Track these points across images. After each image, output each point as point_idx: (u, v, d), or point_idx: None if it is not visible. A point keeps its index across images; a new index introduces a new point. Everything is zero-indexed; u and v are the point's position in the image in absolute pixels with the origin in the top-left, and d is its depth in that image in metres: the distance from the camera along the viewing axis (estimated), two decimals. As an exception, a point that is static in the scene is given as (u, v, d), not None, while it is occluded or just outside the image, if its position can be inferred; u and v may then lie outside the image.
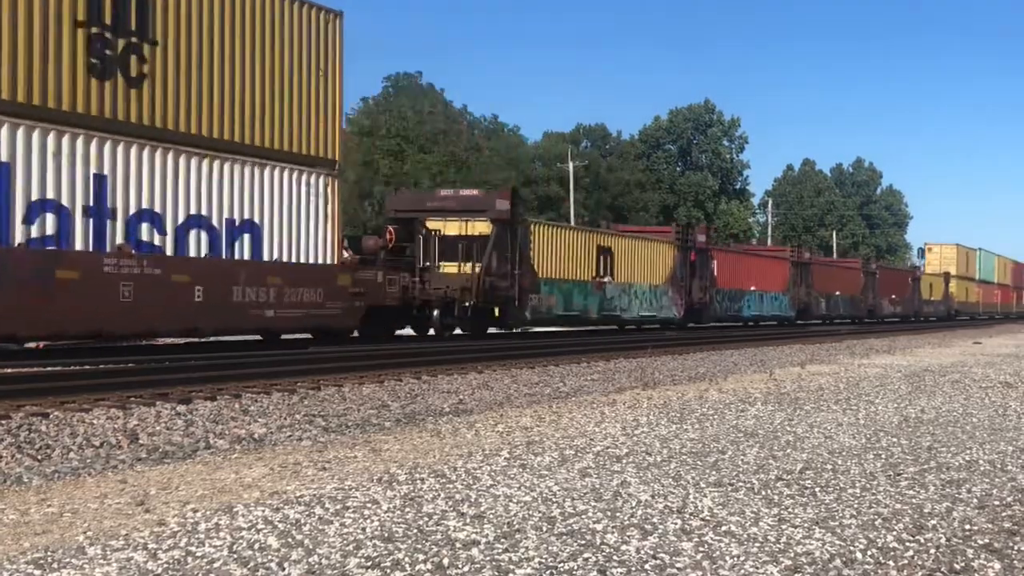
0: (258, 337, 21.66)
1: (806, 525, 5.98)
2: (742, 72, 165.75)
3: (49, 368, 14.27)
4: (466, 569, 4.91)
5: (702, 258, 38.83)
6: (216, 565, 4.92)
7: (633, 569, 4.97)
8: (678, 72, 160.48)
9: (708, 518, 6.09)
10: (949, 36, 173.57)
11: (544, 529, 5.73)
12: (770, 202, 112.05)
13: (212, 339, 21.04)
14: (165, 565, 4.91)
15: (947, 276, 75.00)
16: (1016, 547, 5.61)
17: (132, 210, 16.83)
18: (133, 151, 16.97)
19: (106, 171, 16.49)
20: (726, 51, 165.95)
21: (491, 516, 6.04)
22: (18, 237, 15.08)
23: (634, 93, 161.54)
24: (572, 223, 57.72)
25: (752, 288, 44.11)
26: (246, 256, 18.67)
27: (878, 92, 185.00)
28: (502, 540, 5.47)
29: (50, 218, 15.56)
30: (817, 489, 7.09)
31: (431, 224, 26.59)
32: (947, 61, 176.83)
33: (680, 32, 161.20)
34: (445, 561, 5.03)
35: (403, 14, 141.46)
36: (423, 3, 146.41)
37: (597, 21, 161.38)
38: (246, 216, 18.76)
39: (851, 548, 5.47)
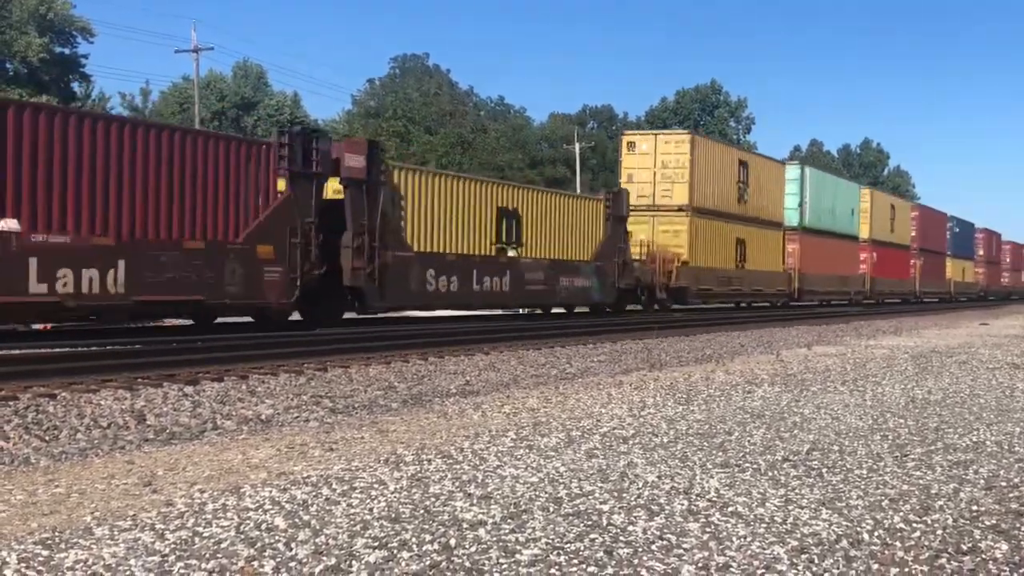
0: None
1: (813, 506, 5.98)
2: (749, 53, 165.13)
3: (57, 350, 14.29)
4: (473, 549, 4.92)
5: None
6: (223, 545, 4.93)
7: (640, 549, 4.97)
8: (685, 53, 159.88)
9: (715, 499, 6.09)
10: (957, 18, 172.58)
11: (551, 510, 5.74)
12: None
13: (217, 320, 21.08)
14: (172, 545, 4.92)
15: (606, 207, 30.90)
16: (1023, 528, 5.60)
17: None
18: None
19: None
20: (733, 32, 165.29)
21: (498, 497, 6.04)
22: None
23: (640, 74, 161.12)
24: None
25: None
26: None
27: (885, 73, 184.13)
28: (509, 521, 5.47)
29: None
30: (824, 470, 7.09)
31: None
32: (955, 42, 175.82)
33: (687, 13, 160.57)
34: (452, 541, 5.04)
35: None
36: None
37: (604, 2, 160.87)
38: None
39: (858, 529, 5.47)
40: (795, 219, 44.56)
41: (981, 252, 79.42)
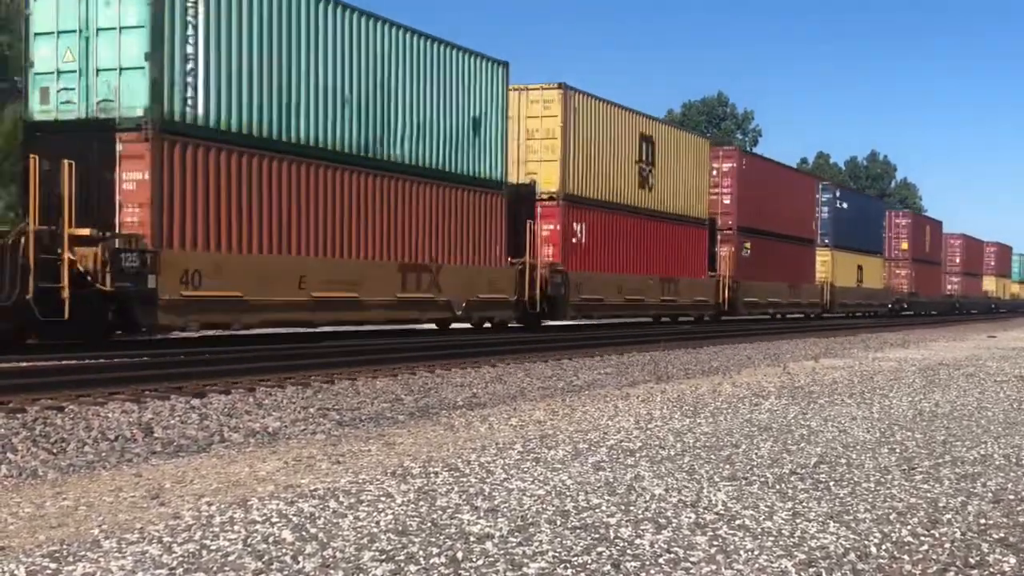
0: (271, 331, 21.68)
1: (820, 519, 5.97)
2: (755, 65, 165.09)
3: (64, 362, 14.31)
4: (480, 563, 4.92)
5: None
6: (231, 558, 4.94)
7: (647, 563, 4.97)
8: (691, 65, 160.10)
9: (722, 512, 6.08)
10: (965, 27, 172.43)
11: (558, 523, 5.73)
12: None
13: (226, 333, 21.10)
14: (180, 558, 4.93)
15: None
16: (1032, 541, 5.59)
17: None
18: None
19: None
20: (739, 44, 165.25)
21: (505, 510, 6.04)
22: None
23: (647, 86, 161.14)
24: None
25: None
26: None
27: (892, 85, 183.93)
28: (516, 534, 5.47)
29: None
30: (831, 483, 7.08)
31: None
32: (963, 53, 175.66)
33: (693, 24, 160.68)
34: (459, 555, 5.04)
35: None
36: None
37: (609, 13, 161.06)
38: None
39: (865, 542, 5.46)
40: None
41: (904, 246, 57.25)
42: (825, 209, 46.20)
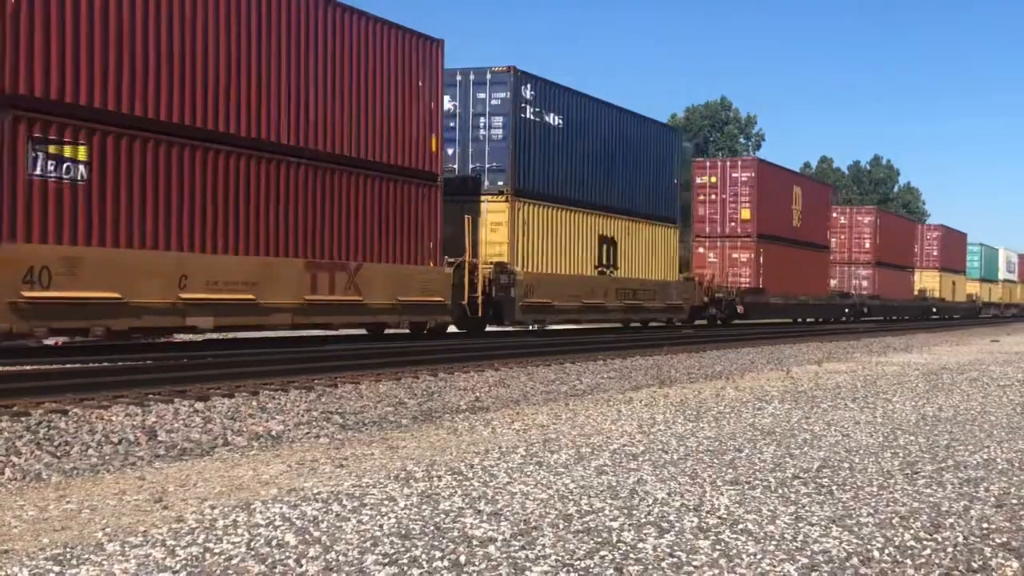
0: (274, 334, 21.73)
1: (823, 523, 5.97)
2: (758, 69, 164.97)
3: (68, 365, 14.34)
4: (483, 566, 4.92)
5: None
6: (234, 562, 4.95)
7: (650, 567, 4.98)
8: (694, 69, 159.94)
9: (725, 516, 6.09)
10: (968, 33, 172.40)
11: (561, 527, 5.74)
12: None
13: (230, 336, 21.14)
14: (183, 562, 4.94)
15: None
16: (1034, 546, 5.58)
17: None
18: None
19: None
20: (742, 48, 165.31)
21: (508, 513, 6.05)
22: None
23: (650, 90, 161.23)
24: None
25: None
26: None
27: (896, 89, 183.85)
28: (519, 537, 5.48)
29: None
30: (834, 487, 7.08)
31: None
32: (967, 58, 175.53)
33: (696, 29, 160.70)
34: (462, 558, 5.05)
35: (418, 5, 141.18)
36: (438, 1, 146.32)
37: (612, 18, 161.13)
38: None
39: (868, 547, 5.46)
40: None
41: (745, 215, 36.89)
42: (500, 121, 24.50)
